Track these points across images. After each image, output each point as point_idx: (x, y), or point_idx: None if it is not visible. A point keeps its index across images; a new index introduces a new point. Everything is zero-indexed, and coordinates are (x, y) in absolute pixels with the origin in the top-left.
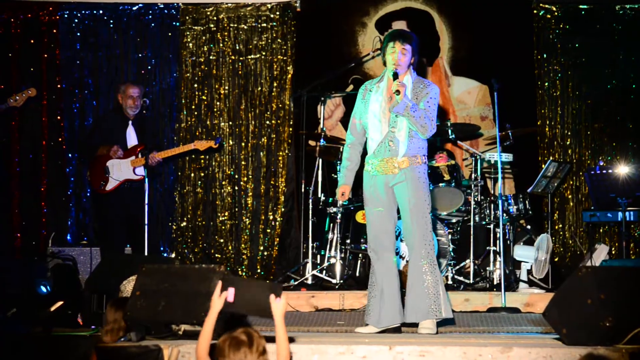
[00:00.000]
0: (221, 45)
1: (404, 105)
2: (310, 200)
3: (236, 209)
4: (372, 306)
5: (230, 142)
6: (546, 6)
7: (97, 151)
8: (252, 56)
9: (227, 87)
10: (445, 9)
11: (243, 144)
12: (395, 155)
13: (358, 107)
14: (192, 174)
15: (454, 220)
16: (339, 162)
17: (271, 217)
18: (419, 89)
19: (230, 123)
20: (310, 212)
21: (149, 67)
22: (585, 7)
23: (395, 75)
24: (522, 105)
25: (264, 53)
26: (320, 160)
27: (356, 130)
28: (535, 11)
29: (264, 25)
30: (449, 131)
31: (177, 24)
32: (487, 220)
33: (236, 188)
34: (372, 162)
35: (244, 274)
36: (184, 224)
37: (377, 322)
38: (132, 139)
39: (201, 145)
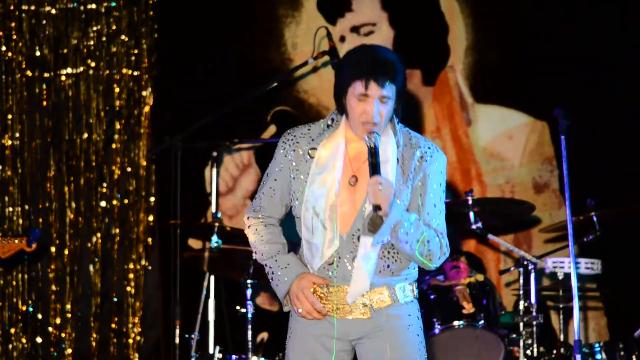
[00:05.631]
0: (4, 48)
1: (388, 229)
2: None
3: None
4: None
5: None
6: None
7: None
8: (70, 70)
9: (17, 135)
10: None
11: (53, 248)
12: (363, 285)
13: (279, 179)
14: None
15: None
16: (250, 281)
17: None
18: (408, 161)
19: (27, 207)
20: None
21: None
22: None
23: (374, 157)
24: (619, 160)
25: (92, 64)
26: (213, 278)
27: (274, 207)
28: None
29: (92, 6)
30: (471, 215)
31: None
32: None
33: (39, 341)
34: (317, 292)
35: None
36: None
37: None
38: None
39: (2, 250)
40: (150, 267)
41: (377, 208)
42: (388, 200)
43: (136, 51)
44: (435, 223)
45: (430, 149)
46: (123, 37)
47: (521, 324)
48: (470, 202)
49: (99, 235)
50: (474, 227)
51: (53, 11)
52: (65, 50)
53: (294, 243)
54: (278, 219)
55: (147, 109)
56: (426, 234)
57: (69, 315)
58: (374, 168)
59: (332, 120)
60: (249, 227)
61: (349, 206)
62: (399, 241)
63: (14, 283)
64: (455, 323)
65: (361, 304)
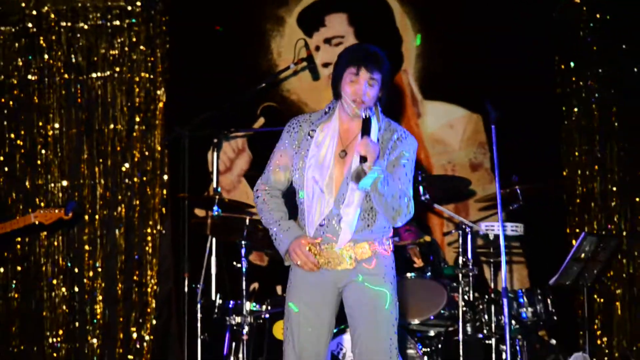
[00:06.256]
0: (46, 56)
1: (372, 179)
2: (199, 306)
3: (76, 324)
4: None
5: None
6: None
7: None
8: (99, 74)
9: (57, 125)
10: None
11: (87, 216)
12: (349, 240)
13: (285, 155)
14: (1, 269)
15: (432, 333)
16: (244, 242)
17: (135, 336)
18: (388, 143)
19: (65, 183)
20: (199, 324)
21: None
22: None
23: (366, 124)
24: (537, 145)
25: (117, 69)
26: (214, 240)
27: (279, 180)
28: None
29: (117, 23)
30: (420, 189)
31: None
32: (485, 331)
33: (76, 289)
34: (312, 250)
35: None
36: None
37: None
38: None
39: (45, 218)
40: (164, 231)
41: (363, 159)
42: (374, 155)
43: (152, 59)
44: (405, 187)
45: (404, 133)
46: (142, 47)
47: (460, 275)
48: (420, 178)
49: (123, 205)
50: (423, 198)
51: (85, 27)
52: (95, 58)
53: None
54: (281, 190)
55: (161, 105)
56: (398, 192)
57: (100, 270)
58: (366, 131)
59: (329, 108)
60: (257, 197)
61: (338, 174)
62: (377, 192)
63: (55, 243)
64: (408, 274)
65: (347, 256)
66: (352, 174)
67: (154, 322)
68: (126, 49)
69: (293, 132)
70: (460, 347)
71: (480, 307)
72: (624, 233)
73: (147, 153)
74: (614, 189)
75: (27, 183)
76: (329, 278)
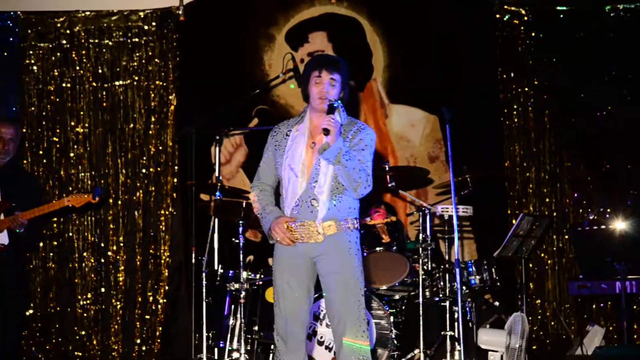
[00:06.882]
0: (78, 67)
1: (335, 151)
2: (204, 275)
3: (102, 290)
4: None
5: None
6: (512, 8)
7: None
8: (121, 82)
9: (87, 125)
10: (378, 15)
11: (111, 200)
12: (318, 218)
13: (269, 155)
14: (41, 244)
15: (396, 297)
16: (241, 222)
17: (151, 299)
18: (348, 133)
19: (93, 173)
20: (204, 290)
21: None
22: (563, 8)
23: (332, 109)
24: (483, 141)
25: (136, 78)
26: (217, 220)
27: (267, 176)
28: (497, 15)
29: (136, 40)
30: (388, 177)
31: (16, 39)
32: (441, 295)
33: (102, 261)
34: (290, 227)
35: None
36: (30, 312)
37: None
38: None
39: (76, 201)
40: (175, 213)
41: (326, 132)
42: (335, 129)
43: (165, 69)
44: (365, 165)
45: (363, 125)
46: (156, 60)
47: (420, 249)
48: (387, 168)
49: (141, 191)
50: (389, 185)
51: (110, 43)
52: (118, 69)
53: None
54: (271, 186)
55: (172, 108)
56: (359, 166)
57: (122, 244)
58: (330, 112)
59: (303, 112)
60: (251, 192)
61: (309, 161)
62: (341, 164)
63: (85, 223)
64: (377, 248)
65: (316, 232)
66: (319, 148)
67: (167, 288)
68: (143, 61)
69: (274, 135)
70: (420, 308)
71: (437, 275)
72: (555, 214)
73: (160, 148)
74: (547, 177)
75: (61, 173)
76: (303, 250)
